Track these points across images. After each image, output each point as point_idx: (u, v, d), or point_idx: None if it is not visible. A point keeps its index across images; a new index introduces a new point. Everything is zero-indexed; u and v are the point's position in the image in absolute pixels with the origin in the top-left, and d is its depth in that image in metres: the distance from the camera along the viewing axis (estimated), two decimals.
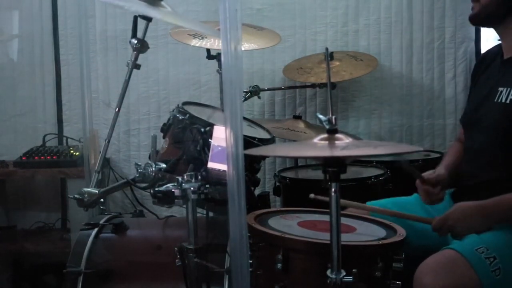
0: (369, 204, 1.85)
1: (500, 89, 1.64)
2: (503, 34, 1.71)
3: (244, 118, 2.00)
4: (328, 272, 1.21)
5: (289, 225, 1.56)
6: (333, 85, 2.72)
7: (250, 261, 1.38)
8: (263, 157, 2.27)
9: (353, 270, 1.23)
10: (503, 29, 1.70)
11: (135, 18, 2.14)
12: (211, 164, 1.60)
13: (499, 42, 1.76)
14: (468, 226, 1.55)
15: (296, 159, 2.77)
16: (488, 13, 1.67)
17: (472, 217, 1.55)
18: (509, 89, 1.62)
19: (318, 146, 1.24)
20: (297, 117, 2.75)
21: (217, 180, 1.57)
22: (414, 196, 1.87)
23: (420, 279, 1.42)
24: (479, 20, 1.76)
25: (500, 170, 1.63)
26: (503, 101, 1.62)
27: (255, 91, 2.74)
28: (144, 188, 1.73)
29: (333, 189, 1.19)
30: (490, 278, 1.43)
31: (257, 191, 2.33)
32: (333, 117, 1.25)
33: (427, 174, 1.76)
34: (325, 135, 1.25)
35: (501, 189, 1.55)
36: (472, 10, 1.72)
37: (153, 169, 1.69)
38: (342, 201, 1.24)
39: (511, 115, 1.60)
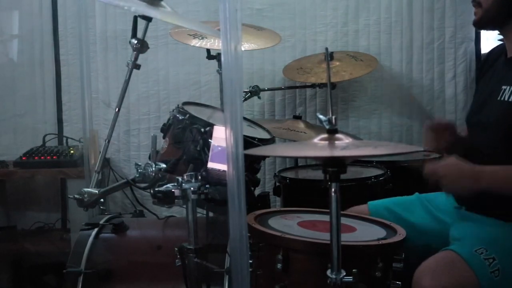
0: (371, 203, 1.85)
1: (504, 87, 1.63)
2: (507, 33, 1.70)
3: (244, 118, 2.00)
4: (328, 272, 1.21)
5: (289, 225, 1.56)
6: (333, 85, 2.72)
7: (250, 261, 1.38)
8: (263, 157, 2.27)
9: (353, 270, 1.23)
10: (506, 29, 1.70)
11: (135, 18, 2.14)
12: (211, 164, 1.60)
13: (501, 42, 1.76)
14: (456, 184, 1.51)
15: (296, 159, 2.77)
16: (490, 16, 1.66)
17: (463, 177, 1.51)
18: None
19: (318, 146, 1.24)
20: (297, 117, 2.75)
21: (217, 180, 1.57)
22: (415, 195, 1.87)
23: (419, 280, 1.42)
24: (483, 24, 1.74)
25: None
26: (506, 99, 1.61)
27: (255, 91, 2.74)
28: (144, 188, 1.73)
29: (333, 189, 1.19)
30: (489, 279, 1.43)
31: (257, 191, 2.33)
32: (333, 117, 1.25)
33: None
34: (325, 135, 1.25)
35: None
36: (474, 15, 1.70)
37: (153, 169, 1.69)
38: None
39: None
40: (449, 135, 1.75)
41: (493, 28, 1.77)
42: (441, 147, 1.75)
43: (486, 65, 1.84)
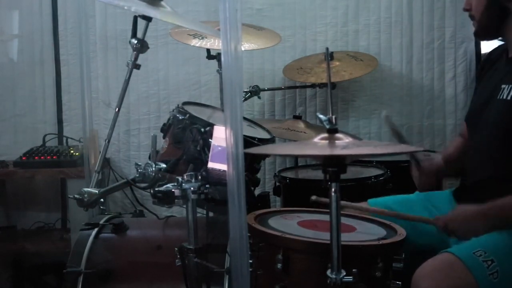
0: (370, 201, 1.85)
1: (503, 86, 1.64)
2: (507, 34, 1.71)
3: (244, 118, 1.99)
4: (328, 272, 1.21)
5: (289, 225, 1.56)
6: (333, 85, 2.72)
7: (250, 261, 1.38)
8: (263, 157, 2.27)
9: (353, 270, 1.23)
10: (506, 29, 1.70)
11: (135, 18, 2.14)
12: (211, 164, 1.60)
13: (502, 41, 1.77)
14: (469, 230, 1.54)
15: (296, 159, 2.77)
16: (484, 27, 1.71)
17: (473, 221, 1.54)
18: (511, 86, 1.62)
19: (318, 145, 1.24)
20: (297, 117, 2.75)
21: (217, 180, 1.57)
22: (416, 194, 1.87)
23: (417, 283, 1.42)
24: (481, 36, 1.82)
25: (501, 168, 1.63)
26: (505, 98, 1.61)
27: (255, 91, 2.74)
28: (144, 188, 1.73)
29: (333, 189, 1.19)
30: (488, 282, 1.42)
31: (257, 191, 2.33)
32: (333, 117, 1.25)
33: (424, 159, 1.82)
34: (325, 135, 1.25)
35: (503, 187, 1.55)
36: (474, 26, 1.75)
37: (153, 169, 1.69)
38: (343, 202, 1.24)
39: None
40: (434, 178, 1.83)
41: (492, 37, 1.80)
42: (427, 187, 1.84)
43: (487, 64, 1.84)
